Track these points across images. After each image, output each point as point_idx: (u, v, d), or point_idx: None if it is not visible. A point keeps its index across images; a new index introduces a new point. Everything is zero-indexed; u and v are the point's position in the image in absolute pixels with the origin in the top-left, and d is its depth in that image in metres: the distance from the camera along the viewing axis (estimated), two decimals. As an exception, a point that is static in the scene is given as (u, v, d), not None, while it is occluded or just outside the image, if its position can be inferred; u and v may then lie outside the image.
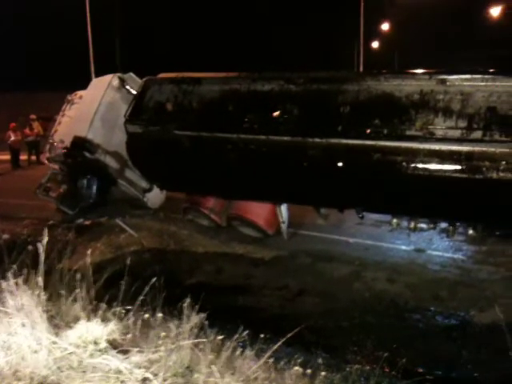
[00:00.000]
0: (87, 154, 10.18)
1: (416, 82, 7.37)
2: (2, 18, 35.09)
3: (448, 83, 7.10)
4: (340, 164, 7.58)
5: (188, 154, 8.92)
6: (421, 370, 5.68)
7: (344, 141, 7.51)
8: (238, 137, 8.27)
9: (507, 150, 6.61)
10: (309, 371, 4.47)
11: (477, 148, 6.77)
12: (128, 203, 11.00)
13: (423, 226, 8.85)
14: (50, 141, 11.45)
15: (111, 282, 5.60)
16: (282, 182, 8.28)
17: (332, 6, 40.98)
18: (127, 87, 10.27)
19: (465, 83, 7.06)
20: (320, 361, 4.93)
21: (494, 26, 37.76)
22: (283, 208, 9.42)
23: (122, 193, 10.80)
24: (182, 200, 10.59)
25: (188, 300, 4.91)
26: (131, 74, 10.58)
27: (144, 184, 10.55)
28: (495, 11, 37.88)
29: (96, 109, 10.27)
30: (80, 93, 11.50)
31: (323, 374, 4.48)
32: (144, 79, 9.78)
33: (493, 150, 6.70)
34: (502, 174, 6.67)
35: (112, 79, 10.45)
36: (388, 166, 7.31)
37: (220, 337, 4.66)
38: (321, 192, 8.15)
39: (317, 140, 7.65)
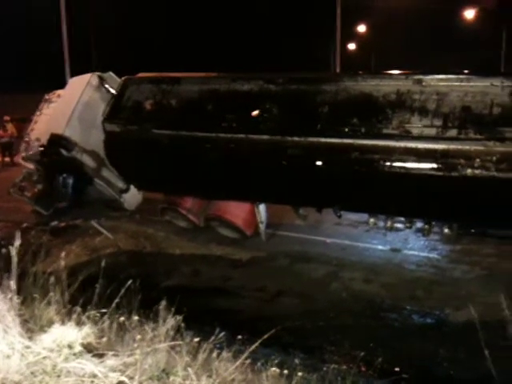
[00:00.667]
0: (64, 152, 10.04)
1: (393, 83, 7.48)
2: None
3: (424, 83, 7.21)
4: (318, 163, 7.62)
5: (166, 154, 8.87)
6: (397, 369, 5.70)
7: (322, 139, 7.57)
8: (217, 136, 8.27)
9: (481, 148, 6.72)
10: (286, 372, 4.46)
11: (452, 146, 6.87)
12: (104, 205, 10.88)
13: (399, 225, 8.94)
14: (26, 139, 11.27)
15: (86, 285, 5.53)
16: (261, 182, 8.29)
17: (308, 7, 41.09)
18: (106, 86, 10.16)
19: (440, 83, 7.17)
20: (297, 361, 4.92)
21: (469, 28, 38.31)
22: (262, 208, 9.42)
23: (98, 193, 10.66)
24: (158, 201, 10.52)
25: (164, 302, 4.87)
26: (111, 73, 10.47)
27: (121, 184, 10.43)
28: (469, 13, 38.44)
29: (74, 107, 10.14)
30: (58, 92, 11.36)
31: (300, 374, 4.47)
32: (123, 79, 9.71)
33: (467, 147, 6.80)
34: (476, 172, 6.77)
35: (91, 78, 10.34)
36: (365, 164, 7.38)
37: (197, 339, 4.62)
38: (299, 191, 8.18)
39: (296, 139, 7.70)
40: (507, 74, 7.73)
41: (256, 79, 8.42)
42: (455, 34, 39.06)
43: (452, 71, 7.45)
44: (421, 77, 7.30)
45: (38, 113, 11.52)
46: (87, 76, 10.51)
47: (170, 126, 8.77)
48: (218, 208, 9.73)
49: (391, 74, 7.78)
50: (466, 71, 7.42)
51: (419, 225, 8.82)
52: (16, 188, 11.14)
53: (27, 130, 11.63)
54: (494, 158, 6.70)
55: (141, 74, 9.73)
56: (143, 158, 9.17)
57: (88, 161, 10.23)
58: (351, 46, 46.82)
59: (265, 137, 7.93)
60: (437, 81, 7.24)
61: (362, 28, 44.72)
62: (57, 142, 10.04)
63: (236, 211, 9.57)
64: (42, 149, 10.27)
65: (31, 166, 11.01)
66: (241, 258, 8.94)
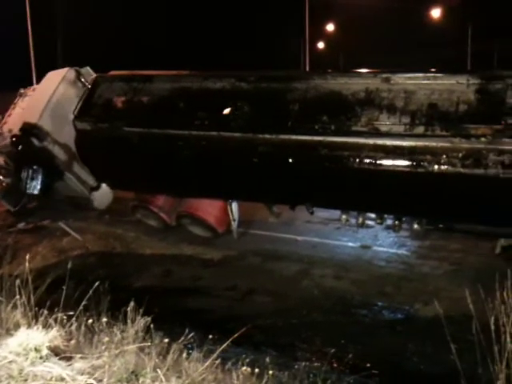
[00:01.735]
0: (35, 141, 9.80)
1: (362, 81, 7.57)
2: None
3: (392, 81, 7.31)
4: (289, 160, 7.67)
5: (138, 151, 8.81)
6: (368, 365, 5.75)
7: (293, 137, 7.62)
8: (189, 133, 8.26)
9: (448, 145, 6.83)
10: (257, 370, 4.46)
11: (419, 143, 6.98)
12: (72, 204, 10.71)
13: (370, 222, 9.04)
14: None
15: (54, 288, 5.45)
16: (233, 179, 8.30)
17: (276, 6, 41.15)
18: (83, 81, 10.01)
19: (408, 81, 7.28)
20: (268, 360, 4.91)
21: (435, 27, 38.89)
22: (234, 206, 9.40)
23: (67, 190, 10.41)
24: (128, 201, 10.41)
25: (133, 304, 4.82)
26: (88, 68, 10.32)
27: (92, 181, 10.23)
28: (436, 12, 39.04)
29: (49, 98, 9.92)
30: (34, 86, 11.18)
31: (271, 372, 4.47)
32: (93, 76, 9.62)
33: (434, 144, 6.91)
34: (442, 168, 6.88)
35: (68, 72, 10.15)
36: (335, 160, 7.46)
37: (166, 340, 4.59)
38: (272, 188, 8.22)
39: (266, 136, 7.74)
40: (473, 71, 7.87)
41: (227, 77, 8.45)
42: (422, 32, 39.58)
43: (419, 69, 7.57)
44: (389, 75, 7.40)
45: (12, 106, 11.29)
46: (64, 70, 10.34)
47: (142, 123, 8.73)
48: (189, 205, 9.70)
49: (360, 73, 7.89)
50: (432, 69, 7.54)
51: (389, 222, 8.92)
52: None
53: (1, 123, 11.38)
54: (460, 155, 6.82)
55: (112, 72, 9.64)
56: (115, 156, 9.09)
57: (59, 153, 9.98)
58: (320, 45, 47.08)
59: (236, 134, 7.95)
60: (404, 79, 7.35)
61: (330, 27, 45.02)
62: (29, 130, 9.82)
63: (208, 208, 9.55)
64: (13, 139, 10.03)
65: (1, 159, 10.75)
66: (212, 257, 8.91)
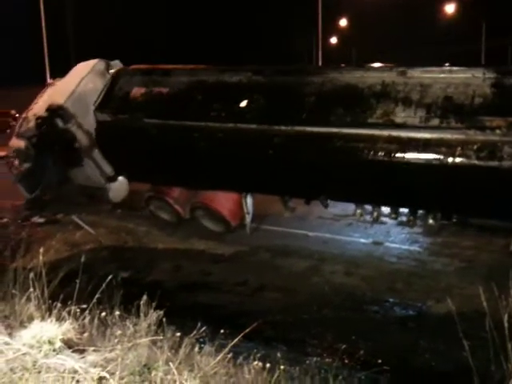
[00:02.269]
0: (59, 122, 9.86)
1: (378, 74, 7.62)
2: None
3: (408, 75, 7.35)
4: (305, 151, 7.71)
5: (156, 143, 8.98)
6: (379, 361, 5.75)
7: (309, 128, 7.67)
8: (205, 125, 8.37)
9: (463, 137, 6.84)
10: (268, 365, 4.47)
11: (434, 135, 6.99)
12: (86, 197, 10.76)
13: (382, 218, 9.04)
14: (24, 116, 11.10)
15: (67, 281, 5.50)
16: (248, 171, 8.38)
17: (290, 1, 41.06)
18: (111, 72, 10.11)
19: (424, 75, 7.32)
20: (279, 355, 4.92)
21: (449, 22, 38.61)
22: (248, 200, 9.44)
23: (84, 179, 10.35)
24: (142, 195, 10.43)
25: (145, 297, 4.85)
26: (118, 61, 10.42)
27: (109, 170, 10.22)
28: (450, 8, 38.75)
29: (76, 84, 10.02)
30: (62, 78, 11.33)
31: (282, 367, 4.48)
32: (115, 69, 9.80)
33: (449, 136, 6.92)
34: (457, 160, 6.90)
35: (97, 63, 10.29)
36: (351, 152, 7.50)
37: (178, 334, 4.62)
38: (287, 181, 8.28)
39: (282, 128, 7.80)
40: (488, 66, 7.88)
41: (244, 71, 8.61)
42: (435, 28, 39.34)
43: (435, 64, 7.65)
44: (404, 69, 7.46)
45: (39, 95, 11.37)
46: (93, 61, 10.46)
47: (161, 115, 8.91)
48: (204, 197, 9.76)
49: (376, 67, 7.96)
50: (447, 64, 7.59)
51: (401, 218, 8.92)
52: (6, 162, 10.91)
53: (27, 110, 11.45)
54: (475, 147, 6.83)
55: (133, 66, 9.86)
56: (133, 148, 9.26)
57: (82, 138, 10.02)
58: (333, 40, 46.92)
59: (252, 126, 8.05)
60: (420, 72, 7.40)
61: (343, 22, 44.85)
62: (54, 111, 9.92)
63: (223, 201, 9.61)
64: (38, 120, 10.11)
65: (22, 143, 10.77)
66: (223, 252, 8.92)
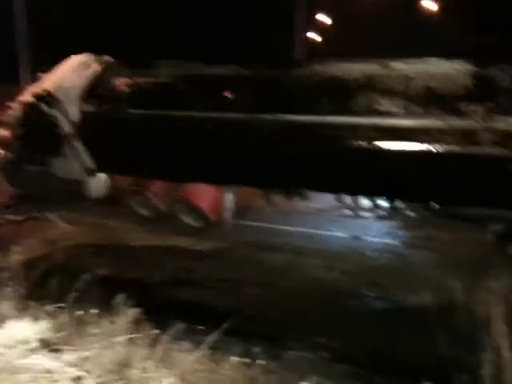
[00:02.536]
0: (45, 108, 9.74)
1: (362, 67, 7.70)
2: None
3: (391, 67, 7.44)
4: (289, 140, 7.75)
5: (140, 134, 8.88)
6: (358, 354, 5.77)
7: (293, 117, 7.71)
8: (190, 114, 8.34)
9: (443, 124, 6.99)
10: (247, 360, 4.48)
11: (416, 122, 7.11)
12: (65, 193, 10.64)
13: (362, 213, 9.11)
14: (9, 105, 10.98)
15: (44, 280, 5.45)
16: (233, 162, 8.37)
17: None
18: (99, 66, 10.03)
19: (406, 67, 7.43)
20: (259, 350, 4.94)
21: (443, 21, 38.71)
22: (229, 194, 9.44)
23: (64, 171, 10.25)
24: (122, 191, 10.36)
25: (124, 295, 4.83)
26: (109, 57, 10.38)
27: (91, 163, 10.08)
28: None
29: (65, 75, 9.90)
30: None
31: (261, 362, 4.50)
32: (100, 60, 9.74)
33: (430, 123, 7.04)
34: (437, 147, 7.01)
35: (86, 57, 10.20)
36: (333, 141, 7.54)
37: (156, 331, 4.60)
38: (270, 171, 8.29)
39: (268, 117, 7.83)
40: (469, 57, 8.07)
41: (230, 64, 8.65)
42: (429, 26, 39.47)
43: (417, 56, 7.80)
44: (388, 61, 7.60)
45: (28, 88, 11.27)
46: (83, 55, 10.39)
47: (145, 105, 8.83)
48: (185, 191, 9.76)
49: (360, 59, 8.09)
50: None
51: (382, 212, 9.00)
52: None
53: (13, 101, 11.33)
54: (455, 134, 6.97)
55: (118, 59, 9.82)
56: (117, 139, 9.15)
57: (66, 126, 9.89)
58: (314, 36, 46.98)
59: (236, 115, 8.04)
60: (403, 65, 7.54)
61: (324, 18, 44.91)
62: (40, 96, 9.79)
63: (204, 195, 9.63)
64: (24, 106, 10.00)
65: (6, 131, 10.62)
66: (203, 248, 8.89)
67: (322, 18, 44.52)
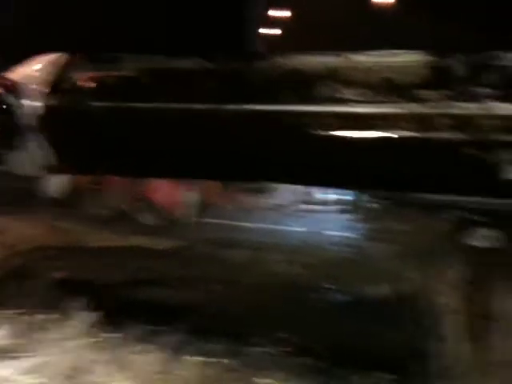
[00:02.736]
0: (8, 97, 9.51)
1: (323, 59, 7.83)
2: None
3: (352, 59, 7.61)
4: (251, 130, 7.79)
5: (102, 127, 8.71)
6: (320, 347, 5.84)
7: (256, 106, 7.75)
8: (152, 106, 8.25)
9: (402, 111, 7.19)
10: (208, 359, 4.50)
11: (375, 110, 7.28)
12: (21, 194, 10.42)
13: (320, 207, 9.21)
14: None
15: (1, 284, 5.35)
16: (195, 154, 8.33)
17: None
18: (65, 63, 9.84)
19: (366, 59, 7.62)
20: (220, 347, 4.96)
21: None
22: (191, 192, 9.40)
23: (22, 166, 10.02)
24: (80, 189, 10.21)
25: (83, 298, 4.78)
26: (76, 53, 10.18)
27: (50, 159, 9.86)
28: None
29: (30, 71, 9.73)
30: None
31: (222, 360, 4.52)
32: (62, 55, 9.56)
33: (389, 110, 7.22)
34: (395, 132, 7.20)
35: (53, 55, 10.01)
36: (295, 129, 7.63)
37: (115, 334, 4.57)
38: (232, 163, 8.29)
39: (230, 107, 7.84)
40: (427, 49, 8.38)
41: (194, 57, 8.63)
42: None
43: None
44: (348, 53, 7.77)
45: None
46: (50, 54, 10.17)
47: (108, 98, 8.67)
48: (145, 188, 9.66)
49: (321, 52, 8.26)
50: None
51: (341, 206, 9.13)
52: None
53: None
54: (414, 120, 7.18)
55: (82, 53, 9.65)
56: (78, 133, 8.94)
57: (29, 118, 9.69)
58: (272, 29, 47.02)
59: (201, 106, 8.02)
60: (363, 56, 7.73)
61: (280, 12, 44.99)
62: (5, 85, 9.55)
63: (164, 192, 9.55)
64: None
65: None
66: (163, 247, 8.84)
67: (281, 11, 44.74)
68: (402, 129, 7.64)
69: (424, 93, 7.52)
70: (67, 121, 9.11)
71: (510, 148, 7.17)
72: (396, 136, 7.62)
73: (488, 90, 7.14)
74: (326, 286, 7.34)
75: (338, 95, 7.83)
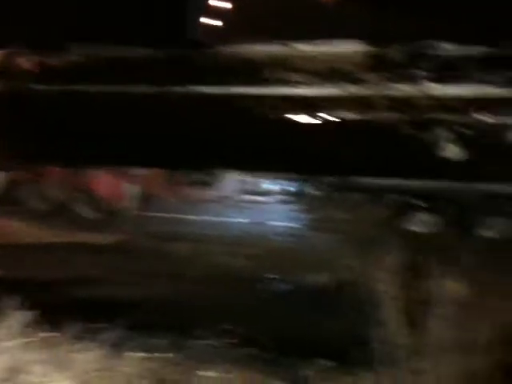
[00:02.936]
0: None
1: (267, 48, 7.87)
2: None
3: (296, 47, 7.69)
4: (199, 113, 7.72)
5: (41, 112, 8.37)
6: (263, 337, 5.85)
7: (202, 88, 7.71)
8: (93, 88, 8.03)
9: (344, 93, 7.35)
10: (150, 354, 4.43)
11: (317, 93, 7.38)
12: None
13: (262, 198, 9.25)
14: None
15: None
16: (138, 140, 8.15)
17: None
18: None
19: (310, 48, 7.72)
20: (162, 342, 4.90)
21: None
22: (132, 184, 9.24)
23: None
24: (15, 183, 9.85)
25: (20, 297, 4.62)
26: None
27: None
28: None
29: None
30: None
31: (164, 354, 4.47)
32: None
33: (331, 93, 7.35)
34: (337, 114, 7.36)
35: None
36: (238, 113, 7.63)
37: (54, 333, 4.44)
38: (172, 149, 8.18)
39: (177, 89, 7.74)
40: (368, 39, 8.76)
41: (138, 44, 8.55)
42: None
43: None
44: (293, 42, 7.87)
45: None
46: None
47: (48, 81, 8.35)
48: (85, 180, 9.47)
49: (266, 40, 8.35)
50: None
51: (283, 196, 9.19)
52: None
53: None
54: (354, 102, 7.35)
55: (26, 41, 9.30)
56: (15, 120, 8.58)
57: None
58: (215, 20, 46.69)
59: (144, 87, 7.88)
60: (307, 46, 7.82)
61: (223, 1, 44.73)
62: None
63: (105, 184, 9.35)
64: None
65: None
66: (105, 242, 8.68)
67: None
68: (344, 110, 7.92)
69: (364, 76, 7.86)
70: (9, 106, 8.75)
71: (446, 126, 7.52)
72: (338, 119, 7.88)
73: (424, 73, 7.47)
74: (270, 276, 7.39)
75: (284, 80, 7.99)
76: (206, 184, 8.95)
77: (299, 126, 7.91)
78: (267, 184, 10.02)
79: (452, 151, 7.74)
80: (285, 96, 7.76)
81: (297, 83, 7.71)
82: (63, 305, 6.03)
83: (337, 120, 7.69)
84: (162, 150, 8.43)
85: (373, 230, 8.47)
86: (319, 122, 7.57)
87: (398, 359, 4.43)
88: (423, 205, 8.59)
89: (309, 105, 7.61)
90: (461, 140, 7.65)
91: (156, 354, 4.51)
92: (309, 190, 8.82)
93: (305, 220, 9.33)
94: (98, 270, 7.69)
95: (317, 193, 8.70)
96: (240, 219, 9.49)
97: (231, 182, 9.94)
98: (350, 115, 7.62)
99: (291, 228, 9.05)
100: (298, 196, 9.05)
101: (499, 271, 4.79)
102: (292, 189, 9.26)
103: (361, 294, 5.46)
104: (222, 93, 7.82)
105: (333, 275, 6.35)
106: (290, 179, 9.02)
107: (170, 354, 4.63)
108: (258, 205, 9.51)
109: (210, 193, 9.34)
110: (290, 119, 7.78)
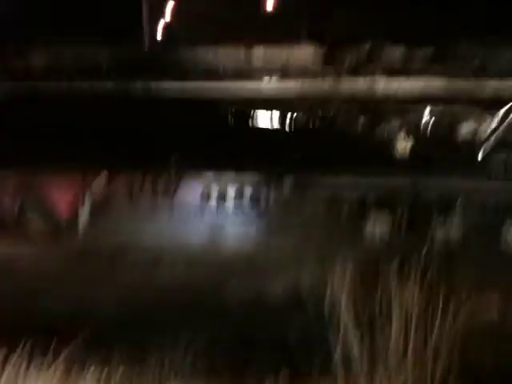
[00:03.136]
0: None
1: (227, 51, 8.05)
2: None
3: (254, 50, 7.90)
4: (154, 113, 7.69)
5: None
6: (221, 347, 5.79)
7: (162, 82, 7.75)
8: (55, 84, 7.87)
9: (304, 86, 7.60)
10: (106, 369, 4.33)
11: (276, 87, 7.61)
12: None
13: (223, 203, 9.24)
14: None
15: None
16: (93, 138, 8.03)
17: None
18: None
19: (267, 50, 8.03)
20: (119, 356, 4.78)
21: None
22: (85, 192, 9.04)
23: None
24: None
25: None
26: None
27: None
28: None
29: None
30: None
31: (121, 369, 4.37)
32: None
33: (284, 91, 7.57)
34: (289, 111, 7.60)
35: None
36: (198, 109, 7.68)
37: (4, 351, 4.29)
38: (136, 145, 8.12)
39: (138, 83, 7.74)
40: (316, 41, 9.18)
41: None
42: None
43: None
44: (251, 45, 8.10)
45: None
46: None
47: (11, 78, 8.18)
48: (36, 189, 9.34)
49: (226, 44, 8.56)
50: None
51: (240, 201, 9.18)
52: None
53: None
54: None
55: None
56: None
57: None
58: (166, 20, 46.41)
59: (108, 82, 7.82)
60: (265, 48, 8.10)
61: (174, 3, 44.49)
62: None
63: (58, 192, 9.14)
64: None
65: None
66: (57, 254, 8.46)
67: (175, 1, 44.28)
68: (298, 109, 8.23)
69: (316, 72, 8.33)
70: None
71: (397, 122, 7.83)
72: (291, 117, 8.19)
73: (374, 71, 7.87)
74: (227, 284, 7.33)
75: (239, 77, 8.23)
76: (161, 191, 8.84)
77: (255, 125, 8.10)
78: (224, 189, 9.94)
79: (403, 147, 8.00)
80: (241, 94, 7.96)
81: (252, 80, 7.93)
82: (15, 321, 5.85)
83: (289, 118, 7.97)
84: (118, 146, 8.38)
85: (330, 234, 8.57)
86: (273, 120, 7.80)
87: (356, 364, 4.45)
88: (380, 204, 8.78)
89: (263, 103, 7.80)
90: (412, 135, 7.95)
91: (112, 368, 4.39)
92: (266, 193, 8.87)
93: (263, 224, 9.35)
94: (50, 283, 7.49)
95: (275, 196, 8.77)
96: (197, 227, 9.41)
97: (188, 188, 9.85)
98: (303, 114, 7.91)
99: (248, 233, 9.04)
100: (255, 200, 9.07)
101: (454, 274, 4.88)
102: (250, 193, 9.27)
103: (319, 299, 5.47)
104: (179, 91, 7.91)
105: (291, 281, 6.35)
106: (247, 182, 9.07)
107: (126, 368, 4.51)
108: (216, 210, 9.45)
109: (165, 200, 9.23)
110: (247, 118, 7.96)
